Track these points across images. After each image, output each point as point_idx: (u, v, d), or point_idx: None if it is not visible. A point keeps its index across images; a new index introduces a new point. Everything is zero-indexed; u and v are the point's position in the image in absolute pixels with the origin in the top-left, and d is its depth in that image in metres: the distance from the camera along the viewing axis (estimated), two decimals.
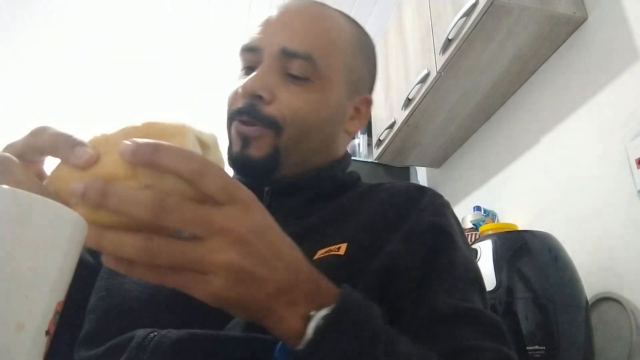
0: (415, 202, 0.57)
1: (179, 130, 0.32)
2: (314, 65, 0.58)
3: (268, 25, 0.60)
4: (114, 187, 0.29)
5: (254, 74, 0.57)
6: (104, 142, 0.32)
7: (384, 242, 0.52)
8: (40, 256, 0.25)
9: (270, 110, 0.56)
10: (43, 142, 0.33)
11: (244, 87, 0.57)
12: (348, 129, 0.65)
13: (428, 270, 0.49)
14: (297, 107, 0.57)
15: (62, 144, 0.32)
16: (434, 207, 0.56)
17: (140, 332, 0.44)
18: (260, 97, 0.56)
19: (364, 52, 0.66)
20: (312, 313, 0.34)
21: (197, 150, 0.33)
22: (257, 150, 0.57)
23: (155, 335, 0.44)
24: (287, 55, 0.57)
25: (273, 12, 0.62)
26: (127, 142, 0.29)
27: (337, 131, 0.64)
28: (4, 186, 0.25)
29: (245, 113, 0.56)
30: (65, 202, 0.29)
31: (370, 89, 0.69)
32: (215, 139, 0.36)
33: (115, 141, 0.31)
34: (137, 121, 0.33)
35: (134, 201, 0.29)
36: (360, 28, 0.68)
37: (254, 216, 0.32)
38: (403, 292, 0.48)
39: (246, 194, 0.32)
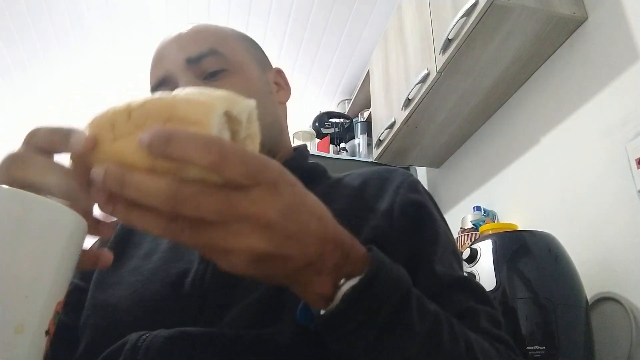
0: (388, 182, 0.60)
1: (204, 112, 0.29)
2: (221, 56, 0.61)
3: (160, 55, 0.63)
4: (131, 176, 0.28)
5: None
6: (125, 120, 0.30)
7: (363, 222, 0.54)
8: (40, 256, 0.25)
9: None
10: (38, 141, 0.33)
11: None
12: (280, 99, 0.69)
13: (415, 242, 0.53)
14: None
15: (57, 138, 0.32)
16: (409, 184, 0.60)
17: (132, 336, 0.45)
18: None
19: (246, 37, 0.70)
20: (341, 282, 0.34)
21: (223, 133, 0.30)
22: None
23: (147, 336, 0.44)
24: (193, 61, 0.60)
25: (156, 49, 0.65)
26: (143, 134, 0.28)
27: (274, 102, 0.67)
28: (4, 186, 0.25)
29: None
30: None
31: (270, 65, 0.73)
32: (250, 109, 0.33)
33: (138, 120, 0.29)
34: (164, 95, 0.31)
35: (150, 191, 0.28)
36: None
37: (281, 196, 0.30)
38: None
39: (272, 172, 0.30)
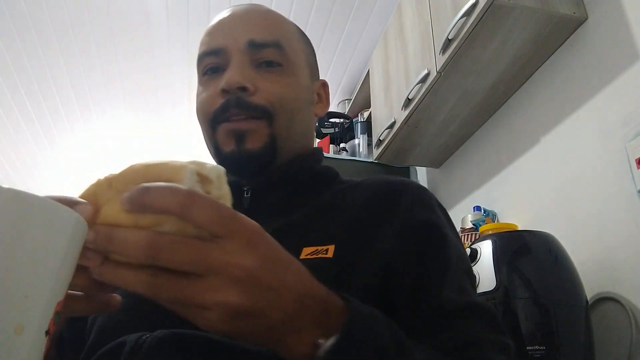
0: (401, 197, 0.57)
1: (177, 170, 0.31)
2: (283, 51, 0.60)
3: (223, 26, 0.62)
4: (117, 232, 0.29)
5: (230, 70, 0.58)
6: (106, 189, 0.32)
7: (372, 239, 0.52)
8: (40, 256, 0.25)
9: (256, 99, 0.57)
10: None
11: (227, 82, 0.57)
12: (317, 112, 0.68)
13: (425, 266, 0.50)
14: (280, 92, 0.59)
15: None
16: (422, 202, 0.57)
17: (131, 337, 0.45)
18: (244, 89, 0.57)
19: (307, 40, 0.69)
20: (320, 341, 0.33)
21: (195, 186, 0.32)
22: (255, 143, 0.57)
23: (147, 337, 0.44)
24: (256, 46, 0.59)
25: (220, 17, 0.64)
26: (124, 194, 0.30)
27: (312, 113, 0.66)
28: (4, 186, 0.25)
29: (234, 107, 0.57)
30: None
31: (319, 75, 0.72)
32: (218, 172, 0.35)
33: (117, 187, 0.32)
34: (138, 163, 0.33)
35: (130, 243, 0.29)
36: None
37: (257, 249, 0.30)
38: (401, 288, 0.49)
39: (246, 224, 0.30)
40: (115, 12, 2.30)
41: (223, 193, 0.34)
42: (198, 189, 0.32)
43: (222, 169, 0.35)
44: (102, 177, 0.34)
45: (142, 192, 0.29)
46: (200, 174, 0.33)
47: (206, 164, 0.34)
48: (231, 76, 0.57)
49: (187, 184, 0.31)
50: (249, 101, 0.57)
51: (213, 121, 0.59)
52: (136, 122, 3.26)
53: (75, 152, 3.64)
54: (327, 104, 0.71)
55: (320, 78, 0.71)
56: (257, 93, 0.57)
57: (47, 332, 0.26)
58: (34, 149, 3.60)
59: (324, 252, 0.49)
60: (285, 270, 0.32)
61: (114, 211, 0.31)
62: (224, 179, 0.35)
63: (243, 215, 0.31)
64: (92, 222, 0.31)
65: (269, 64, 0.59)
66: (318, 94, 0.69)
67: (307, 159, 0.65)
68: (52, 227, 0.26)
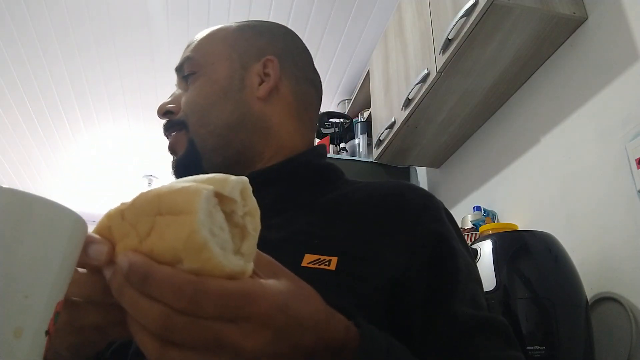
0: (408, 205, 0.56)
1: (190, 197, 0.28)
2: (192, 60, 0.66)
3: None
4: (127, 289, 0.28)
5: None
6: (120, 222, 0.30)
7: (378, 250, 0.51)
8: (40, 256, 0.25)
9: (177, 116, 0.64)
10: None
11: (157, 113, 0.65)
12: (260, 94, 0.64)
13: (436, 280, 0.50)
14: (191, 98, 0.64)
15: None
16: (430, 212, 0.56)
17: None
18: (169, 112, 0.65)
19: (244, 30, 0.69)
20: None
21: (216, 216, 0.30)
22: (179, 151, 0.64)
23: None
24: (179, 70, 0.67)
25: None
26: (122, 257, 0.29)
27: (244, 100, 0.63)
28: (4, 186, 0.25)
29: (165, 131, 0.66)
30: None
31: (276, 50, 0.68)
32: (242, 186, 0.32)
33: (130, 219, 0.30)
34: (151, 191, 0.31)
35: (142, 311, 0.28)
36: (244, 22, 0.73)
37: (273, 324, 0.29)
38: (412, 303, 0.48)
39: (260, 302, 0.29)
40: (115, 12, 2.30)
41: (249, 209, 0.33)
42: (219, 214, 0.30)
43: (245, 180, 0.33)
44: (113, 209, 0.32)
45: (143, 277, 0.27)
46: (221, 195, 0.31)
47: (229, 179, 0.31)
48: (160, 105, 0.65)
49: (202, 213, 0.28)
50: (172, 120, 0.65)
51: None
52: (136, 121, 3.26)
53: (75, 151, 3.64)
54: (273, 81, 0.65)
55: (268, 57, 0.67)
56: (179, 109, 0.65)
57: (47, 333, 0.26)
58: (33, 148, 3.60)
59: (326, 263, 0.49)
60: (301, 333, 0.31)
61: (131, 248, 0.29)
62: (249, 191, 0.33)
63: (256, 290, 0.29)
64: (110, 261, 0.30)
65: (186, 78, 0.66)
66: (263, 74, 0.65)
67: (306, 154, 0.64)
68: (52, 227, 0.26)
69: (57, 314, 0.27)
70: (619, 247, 1.01)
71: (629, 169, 1.00)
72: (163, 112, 0.65)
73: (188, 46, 0.69)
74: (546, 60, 1.32)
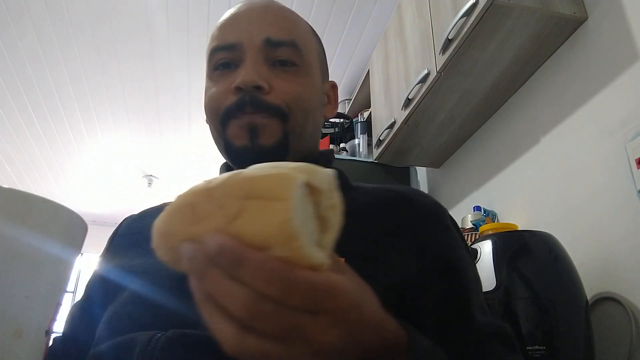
0: (416, 212, 0.56)
1: (285, 187, 0.28)
2: (298, 51, 0.60)
3: (238, 21, 0.61)
4: (212, 271, 0.27)
5: (245, 68, 0.57)
6: (206, 201, 0.29)
7: (385, 251, 0.51)
8: (40, 256, 0.25)
9: (271, 99, 0.57)
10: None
11: (243, 81, 0.56)
12: (326, 114, 0.67)
13: (450, 289, 0.51)
14: (295, 92, 0.58)
15: None
16: (439, 220, 0.57)
17: (141, 336, 0.44)
18: (259, 88, 0.57)
19: (319, 40, 0.68)
20: None
21: (306, 206, 0.30)
22: (269, 138, 0.57)
23: (159, 337, 0.43)
24: (272, 45, 0.58)
25: (235, 11, 0.62)
26: (211, 239, 0.27)
27: (322, 115, 0.66)
28: (4, 186, 0.25)
29: (249, 105, 0.56)
30: (175, 259, 0.30)
31: (329, 76, 0.71)
32: (330, 179, 0.32)
33: (218, 200, 0.29)
34: (244, 172, 0.30)
35: (228, 295, 0.27)
36: None
37: (348, 322, 0.30)
38: (423, 307, 0.49)
39: (342, 299, 0.29)
40: (116, 19, 2.30)
41: (334, 202, 0.33)
42: (309, 204, 0.30)
43: (333, 173, 0.33)
44: (200, 183, 0.30)
45: (237, 262, 0.27)
46: (311, 185, 0.30)
47: (318, 170, 0.31)
48: (247, 74, 0.56)
49: (297, 202, 0.28)
50: (264, 99, 0.57)
51: (224, 118, 0.59)
52: (136, 123, 3.26)
53: (76, 153, 3.64)
54: (336, 105, 0.70)
55: (332, 81, 0.71)
56: (272, 92, 0.57)
57: (47, 332, 0.26)
58: (36, 152, 3.59)
59: None
60: (368, 331, 0.32)
61: (215, 229, 0.28)
62: (335, 185, 0.33)
63: (339, 286, 0.29)
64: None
65: (284, 63, 0.59)
66: (327, 95, 0.68)
67: (319, 160, 0.64)
68: (52, 227, 0.26)
69: (57, 314, 0.27)
70: (619, 247, 1.01)
71: (629, 169, 1.00)
72: (253, 84, 0.56)
73: (283, 20, 0.61)
74: (546, 60, 1.32)
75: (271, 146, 0.57)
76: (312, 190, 0.30)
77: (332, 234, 0.32)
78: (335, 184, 0.33)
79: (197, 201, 0.30)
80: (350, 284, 0.31)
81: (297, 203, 0.27)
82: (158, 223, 0.31)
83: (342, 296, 0.29)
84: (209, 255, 0.27)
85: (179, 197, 0.31)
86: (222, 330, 0.28)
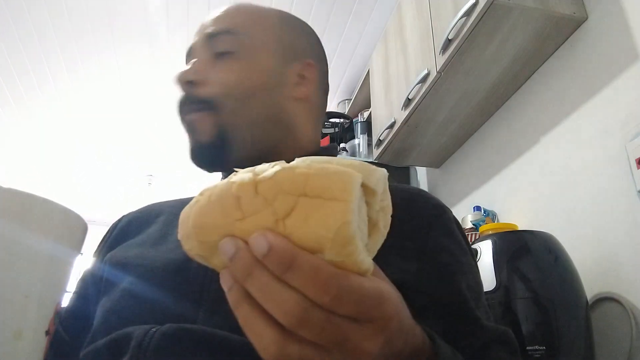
0: (420, 214, 0.56)
1: (343, 187, 0.26)
2: (236, 36, 0.60)
3: (198, 28, 0.64)
4: (258, 272, 0.26)
5: (185, 66, 0.60)
6: (252, 195, 0.27)
7: (385, 250, 0.52)
8: (40, 255, 0.25)
9: (201, 92, 0.58)
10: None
11: (176, 77, 0.58)
12: (295, 95, 0.63)
13: (448, 294, 0.51)
14: (226, 79, 0.58)
15: None
16: (443, 224, 0.57)
17: (137, 330, 0.44)
18: (191, 83, 0.58)
19: (290, 24, 0.67)
20: None
21: (361, 208, 0.28)
22: (203, 135, 0.57)
23: (154, 331, 0.43)
24: (211, 37, 0.60)
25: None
26: (260, 237, 0.25)
27: (281, 97, 0.62)
28: (4, 186, 0.25)
29: (185, 102, 0.58)
30: (208, 254, 0.29)
31: (314, 55, 0.67)
32: (383, 180, 0.30)
33: (266, 195, 0.26)
34: (298, 167, 0.27)
35: (275, 299, 0.26)
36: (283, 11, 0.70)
37: (389, 331, 0.29)
38: (426, 309, 0.49)
39: (386, 310, 0.28)
40: (116, 22, 2.30)
41: (385, 205, 0.31)
42: (363, 206, 0.28)
43: (387, 174, 0.31)
44: (246, 175, 0.28)
45: (288, 264, 0.25)
46: (366, 186, 0.28)
47: (374, 170, 0.29)
48: (180, 72, 0.58)
49: (355, 204, 0.25)
50: (194, 94, 0.58)
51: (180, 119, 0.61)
52: (136, 123, 3.25)
53: (77, 154, 3.63)
54: (311, 86, 0.65)
55: (309, 60, 0.66)
56: (205, 85, 0.58)
57: (47, 332, 0.26)
58: (37, 154, 3.59)
59: None
60: (403, 339, 0.32)
61: (263, 227, 0.26)
62: (387, 186, 0.31)
63: (385, 293, 0.28)
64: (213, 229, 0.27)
65: (220, 54, 0.59)
66: (300, 75, 0.64)
67: (319, 154, 0.64)
68: (51, 227, 0.26)
69: (57, 314, 0.27)
70: (619, 247, 1.01)
71: (628, 168, 1.00)
72: (185, 81, 0.58)
73: (225, 13, 0.62)
74: (546, 60, 1.32)
75: (206, 141, 0.57)
76: (365, 190, 0.29)
77: (380, 238, 0.31)
78: (387, 185, 0.31)
79: (243, 194, 0.27)
80: (393, 292, 0.30)
81: (354, 205, 0.25)
82: (191, 213, 0.29)
83: (388, 304, 0.28)
84: (257, 255, 0.26)
85: (223, 188, 0.28)
86: (263, 336, 0.26)
